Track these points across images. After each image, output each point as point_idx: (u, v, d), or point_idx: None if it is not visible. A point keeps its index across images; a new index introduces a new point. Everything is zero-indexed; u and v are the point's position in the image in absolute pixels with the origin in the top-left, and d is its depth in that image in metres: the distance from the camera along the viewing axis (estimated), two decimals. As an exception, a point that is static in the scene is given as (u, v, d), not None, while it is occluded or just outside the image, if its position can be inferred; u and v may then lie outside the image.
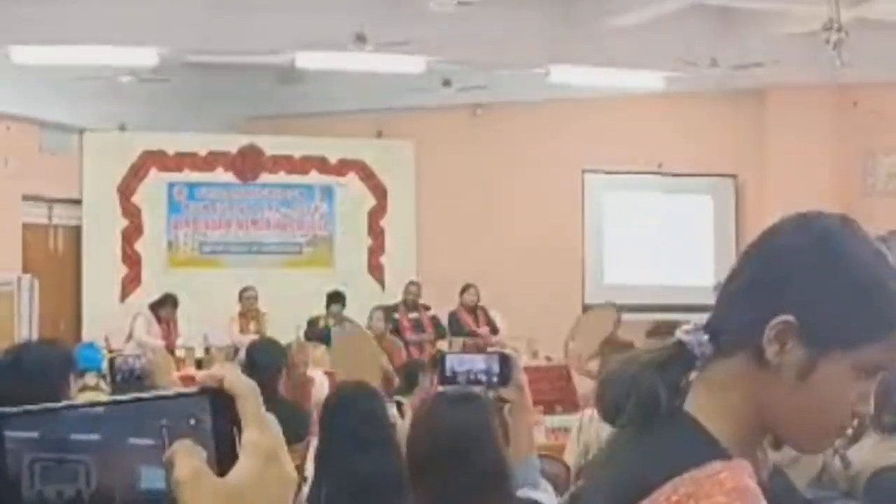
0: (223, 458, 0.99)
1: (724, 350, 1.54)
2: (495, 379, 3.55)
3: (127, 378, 5.68)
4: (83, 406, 0.99)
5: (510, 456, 3.17)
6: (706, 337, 1.56)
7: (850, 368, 1.49)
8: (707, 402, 1.54)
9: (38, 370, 3.66)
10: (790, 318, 1.49)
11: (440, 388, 3.73)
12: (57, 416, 0.98)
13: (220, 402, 1.00)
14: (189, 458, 0.96)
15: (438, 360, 3.78)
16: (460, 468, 3.00)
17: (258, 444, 0.99)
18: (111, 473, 0.97)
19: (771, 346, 1.49)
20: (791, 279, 1.55)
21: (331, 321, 12.48)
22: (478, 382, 3.53)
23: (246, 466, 0.98)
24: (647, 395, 1.54)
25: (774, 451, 1.62)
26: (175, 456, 0.96)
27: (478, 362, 3.62)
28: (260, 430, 0.99)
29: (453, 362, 3.67)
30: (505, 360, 3.58)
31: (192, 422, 0.99)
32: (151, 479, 0.98)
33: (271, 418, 1.01)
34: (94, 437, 0.97)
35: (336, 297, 12.87)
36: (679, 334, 1.57)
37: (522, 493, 3.17)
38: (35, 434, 0.97)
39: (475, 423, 3.12)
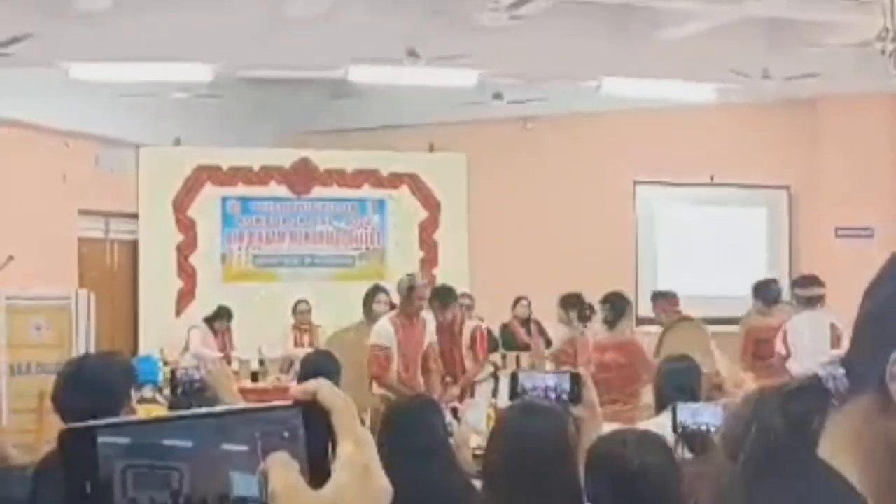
0: (316, 472, 0.99)
1: (858, 387, 1.35)
2: (566, 397, 3.58)
3: (188, 390, 5.70)
4: (175, 419, 1.00)
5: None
6: (842, 371, 1.37)
7: None
8: (840, 446, 1.36)
9: (100, 382, 3.68)
10: None
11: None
12: (149, 424, 1.00)
13: (314, 416, 1.00)
14: (284, 471, 0.97)
15: (510, 378, 3.81)
16: (534, 476, 3.04)
17: (354, 459, 0.99)
18: (204, 480, 0.97)
19: (893, 383, 1.32)
20: None
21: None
22: (548, 400, 3.57)
23: (341, 480, 0.99)
24: (765, 428, 1.39)
25: None
26: (271, 468, 0.97)
27: (549, 380, 3.65)
28: (355, 445, 1.00)
29: (524, 380, 3.71)
30: (576, 379, 3.61)
31: (286, 434, 0.99)
32: (244, 486, 0.98)
33: (365, 433, 1.02)
34: (188, 443, 0.98)
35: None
36: (816, 367, 1.40)
37: None
38: (127, 440, 0.97)
39: (550, 433, 3.16)
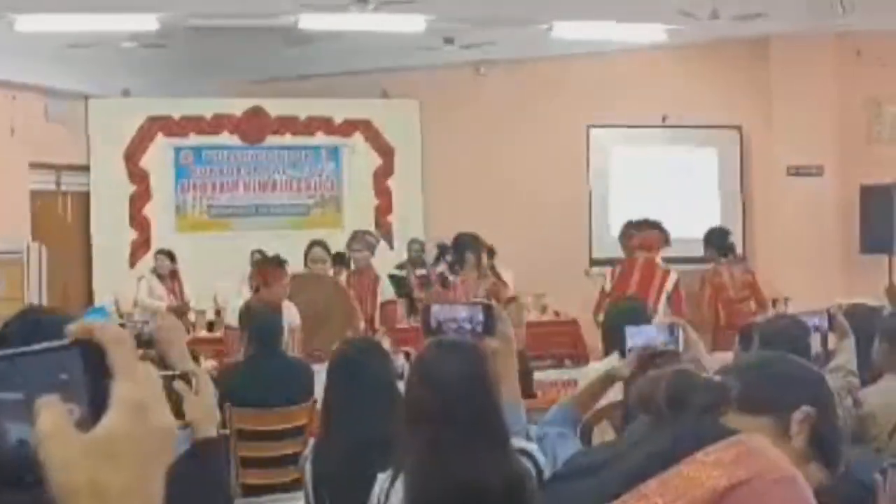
0: (99, 412, 0.95)
1: (755, 409, 2.10)
2: (479, 328, 3.57)
3: (135, 343, 5.67)
4: None
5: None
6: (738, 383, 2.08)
7: None
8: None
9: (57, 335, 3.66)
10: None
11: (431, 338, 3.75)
12: None
13: (92, 355, 0.95)
14: (51, 413, 0.93)
15: (423, 310, 3.80)
16: (455, 415, 3.06)
17: (127, 396, 0.95)
18: None
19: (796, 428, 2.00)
20: None
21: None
22: (462, 332, 3.57)
23: (113, 419, 0.94)
24: (654, 403, 1.78)
25: None
26: (39, 411, 0.93)
27: (462, 312, 3.64)
28: (131, 381, 0.95)
29: (437, 312, 3.69)
30: (488, 311, 3.61)
31: (65, 376, 0.95)
32: (20, 435, 0.94)
33: (147, 368, 0.98)
34: None
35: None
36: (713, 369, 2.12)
37: (512, 443, 3.23)
38: None
39: (470, 371, 3.17)
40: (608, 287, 10.19)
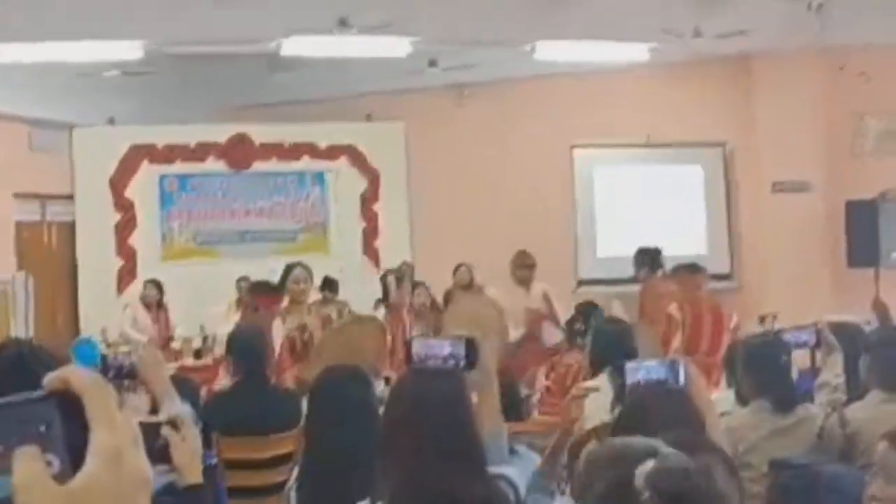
0: (78, 463, 0.94)
1: None
2: (462, 363, 3.57)
3: (118, 375, 5.64)
4: None
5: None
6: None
7: None
8: None
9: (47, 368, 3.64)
10: None
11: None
12: None
13: (69, 405, 0.95)
14: (27, 464, 0.92)
15: (404, 345, 3.79)
16: (432, 440, 3.05)
17: (105, 444, 0.94)
18: None
19: None
20: None
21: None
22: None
23: (90, 469, 0.94)
24: None
25: None
26: (14, 463, 0.92)
27: (444, 347, 3.63)
28: (107, 429, 0.95)
29: (420, 347, 3.68)
30: (471, 345, 3.60)
31: (43, 428, 0.94)
32: (1, 488, 0.93)
33: (123, 415, 0.97)
34: None
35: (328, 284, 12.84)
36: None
37: (491, 469, 3.21)
38: None
39: (448, 398, 3.16)
40: (676, 315, 10.11)
